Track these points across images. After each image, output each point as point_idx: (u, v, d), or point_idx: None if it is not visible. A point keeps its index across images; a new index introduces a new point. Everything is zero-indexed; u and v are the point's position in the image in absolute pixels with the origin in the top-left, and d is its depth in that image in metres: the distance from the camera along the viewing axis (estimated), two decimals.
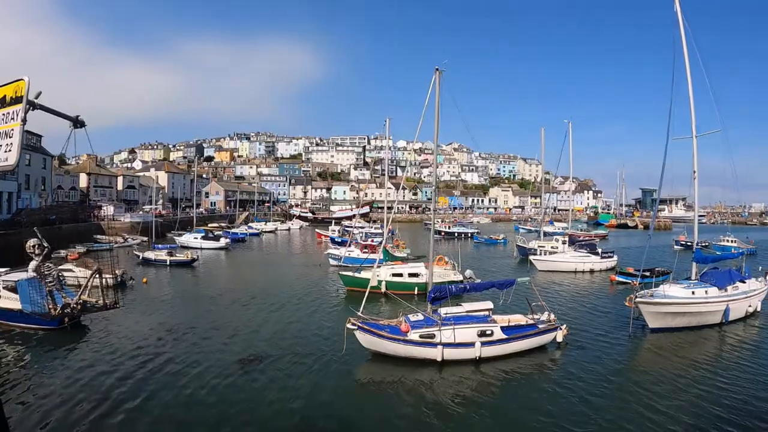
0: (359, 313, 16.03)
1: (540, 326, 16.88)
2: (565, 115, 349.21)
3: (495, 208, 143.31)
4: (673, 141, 25.56)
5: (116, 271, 28.10)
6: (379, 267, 29.51)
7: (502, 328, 15.88)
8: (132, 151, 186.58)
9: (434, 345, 14.97)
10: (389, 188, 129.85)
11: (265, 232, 76.21)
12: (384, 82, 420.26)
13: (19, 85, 3.02)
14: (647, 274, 30.61)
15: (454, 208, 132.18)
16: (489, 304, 16.94)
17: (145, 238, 52.36)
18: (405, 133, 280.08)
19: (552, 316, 17.71)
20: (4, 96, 3.10)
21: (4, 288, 19.60)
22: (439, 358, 14.97)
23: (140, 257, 39.35)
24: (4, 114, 3.10)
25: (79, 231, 49.79)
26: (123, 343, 17.47)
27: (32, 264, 19.97)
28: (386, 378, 14.34)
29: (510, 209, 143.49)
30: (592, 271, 36.76)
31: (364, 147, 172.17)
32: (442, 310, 16.31)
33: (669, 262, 39.33)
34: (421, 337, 15.05)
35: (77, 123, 2.97)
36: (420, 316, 16.22)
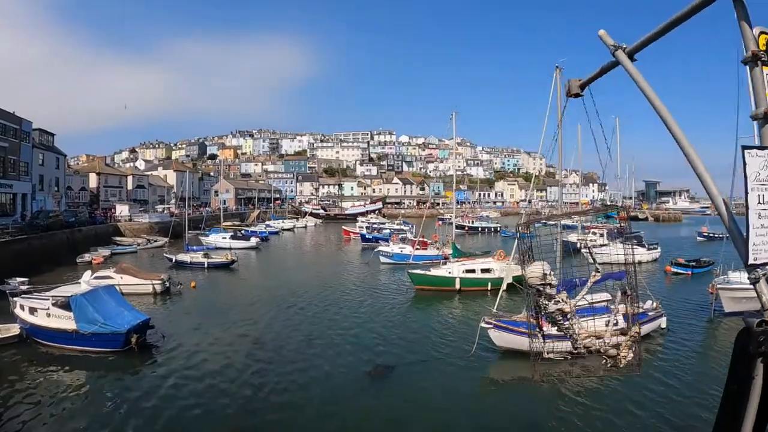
0: (494, 311, 16.21)
1: (649, 314, 17.67)
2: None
3: (502, 202, 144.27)
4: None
5: (162, 277, 26.71)
6: (445, 263, 30.23)
7: (623, 317, 16.52)
8: (133, 151, 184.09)
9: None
10: (412, 184, 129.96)
11: (285, 230, 75.57)
12: (380, 78, 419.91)
13: None
14: (694, 264, 33.44)
15: (462, 203, 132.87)
16: (607, 295, 17.49)
17: (167, 239, 49.78)
18: (407, 128, 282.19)
19: (656, 304, 18.72)
20: None
21: (53, 305, 16.57)
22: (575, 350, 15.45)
23: (173, 260, 36.12)
24: None
25: (97, 233, 47.75)
26: (214, 359, 15.85)
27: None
28: (525, 374, 14.48)
29: (517, 203, 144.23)
30: (639, 263, 37.43)
31: (368, 142, 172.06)
32: None
33: (697, 252, 42.50)
34: (559, 330, 15.50)
35: None
36: None
